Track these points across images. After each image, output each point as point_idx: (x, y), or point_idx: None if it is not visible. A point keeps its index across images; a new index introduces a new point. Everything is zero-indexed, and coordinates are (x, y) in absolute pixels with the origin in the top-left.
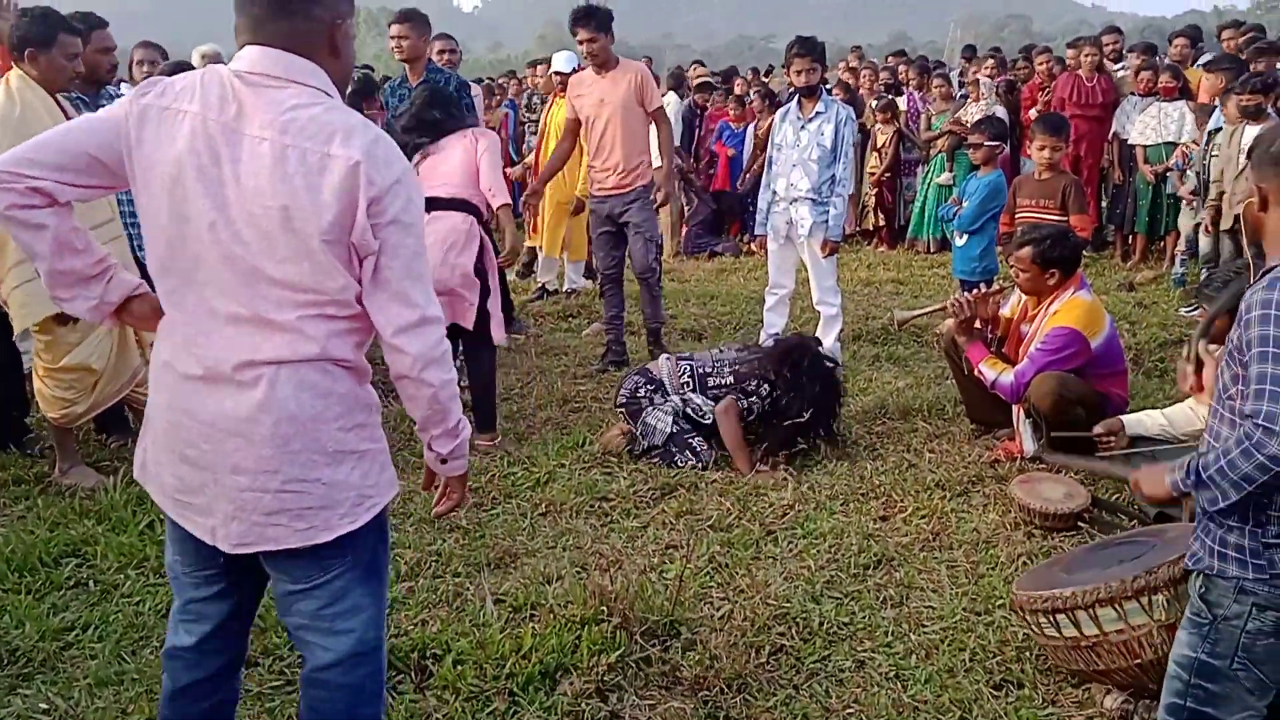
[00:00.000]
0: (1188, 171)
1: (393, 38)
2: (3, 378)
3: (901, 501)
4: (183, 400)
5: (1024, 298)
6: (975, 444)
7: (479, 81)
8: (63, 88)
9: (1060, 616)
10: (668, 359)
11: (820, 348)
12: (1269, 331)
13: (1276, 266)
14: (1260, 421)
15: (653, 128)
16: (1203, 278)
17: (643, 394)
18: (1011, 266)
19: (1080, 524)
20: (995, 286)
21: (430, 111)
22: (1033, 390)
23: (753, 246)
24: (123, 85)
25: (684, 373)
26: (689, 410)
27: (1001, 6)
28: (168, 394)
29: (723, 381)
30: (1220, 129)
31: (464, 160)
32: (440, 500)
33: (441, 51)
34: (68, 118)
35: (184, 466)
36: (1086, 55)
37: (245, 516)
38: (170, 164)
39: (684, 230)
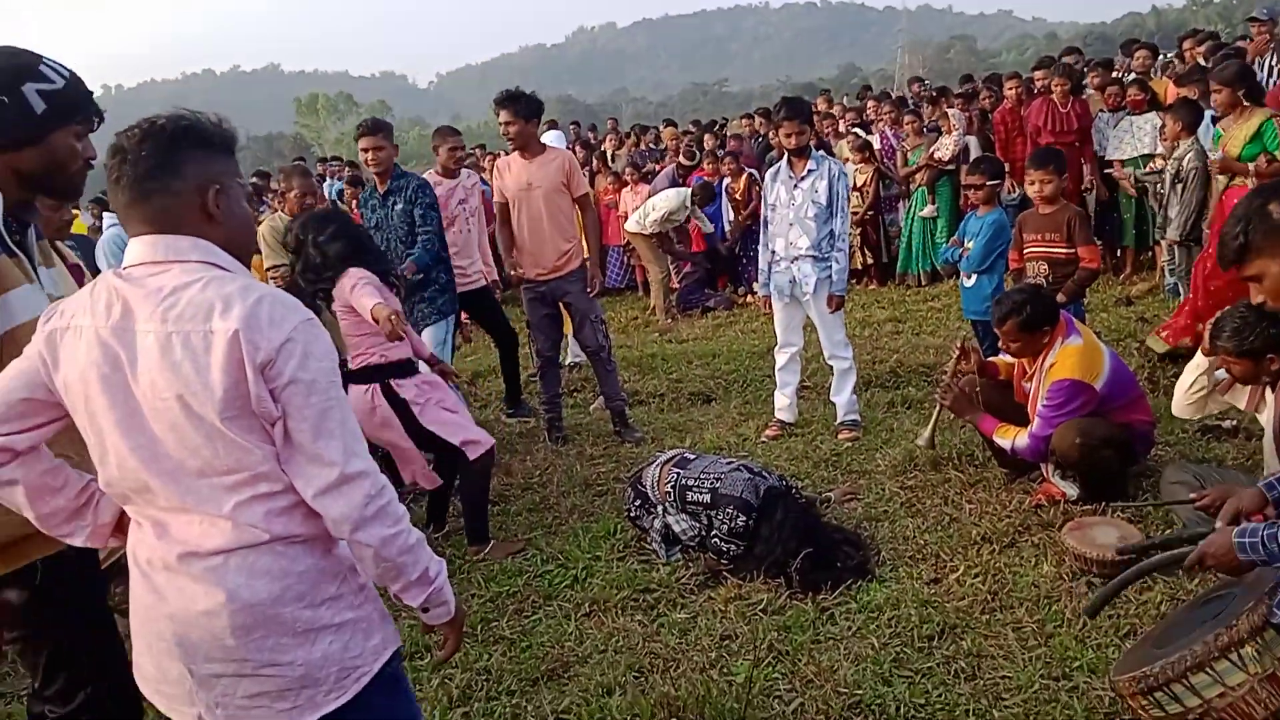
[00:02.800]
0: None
1: (364, 150)
2: None
3: (951, 561)
4: (147, 594)
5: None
6: (1014, 490)
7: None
8: None
9: (1159, 694)
10: (658, 465)
11: (795, 492)
12: None
13: None
14: None
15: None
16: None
17: (634, 512)
18: (1000, 341)
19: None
20: (952, 362)
21: (311, 255)
22: (1056, 444)
23: (747, 299)
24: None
25: (670, 482)
26: (676, 532)
27: (943, 29)
28: (136, 587)
29: (701, 498)
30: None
31: (347, 315)
32: (443, 648)
33: (454, 148)
34: None
35: (161, 657)
36: (1057, 85)
37: (227, 703)
38: (79, 381)
39: (675, 292)
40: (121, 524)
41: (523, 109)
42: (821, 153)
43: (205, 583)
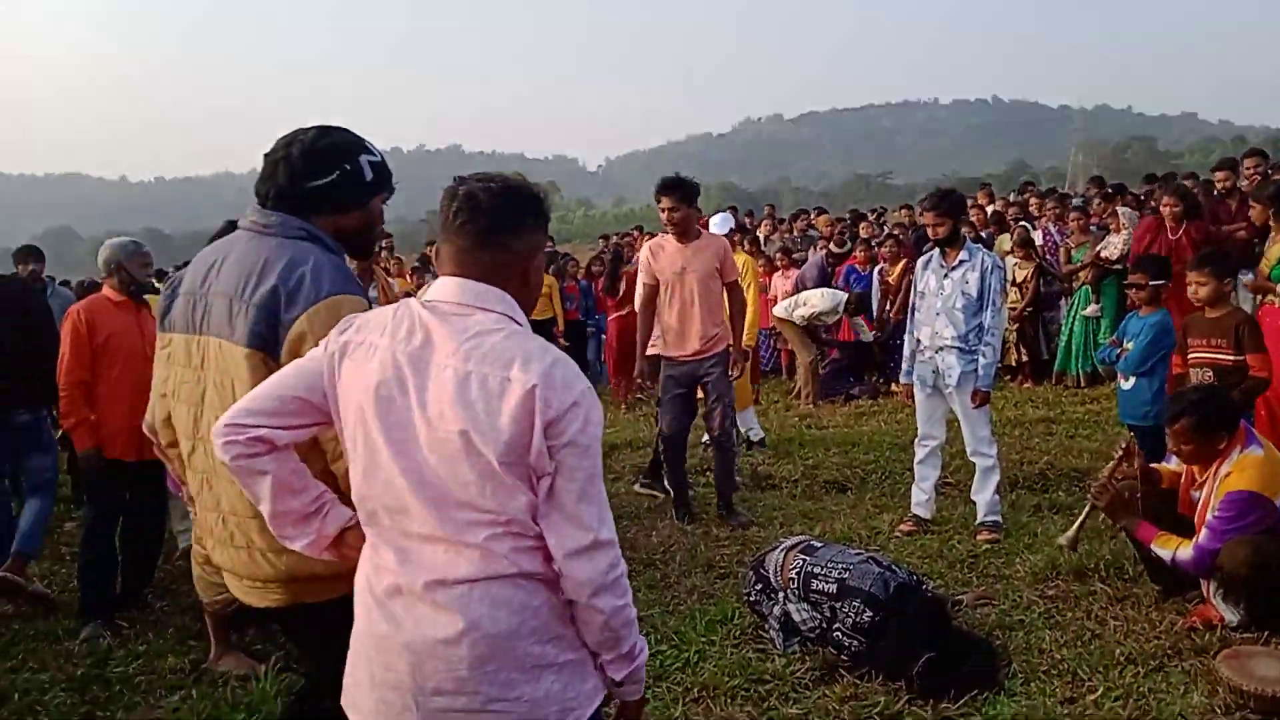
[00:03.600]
0: None
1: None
2: (140, 547)
3: (1089, 680)
4: (381, 622)
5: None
6: (1165, 609)
7: (605, 238)
8: None
9: None
10: (783, 550)
11: (926, 590)
12: None
13: None
14: None
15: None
16: None
17: (754, 596)
18: (1169, 442)
19: None
20: (1113, 462)
21: None
22: (1225, 560)
23: (892, 388)
24: None
25: (795, 568)
26: (796, 621)
27: (1121, 130)
28: (366, 616)
29: (826, 588)
30: None
31: None
32: None
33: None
34: None
35: (385, 689)
36: (1166, 205)
37: None
38: (362, 394)
39: (818, 376)
40: (340, 541)
41: (684, 195)
42: (978, 245)
43: (449, 611)
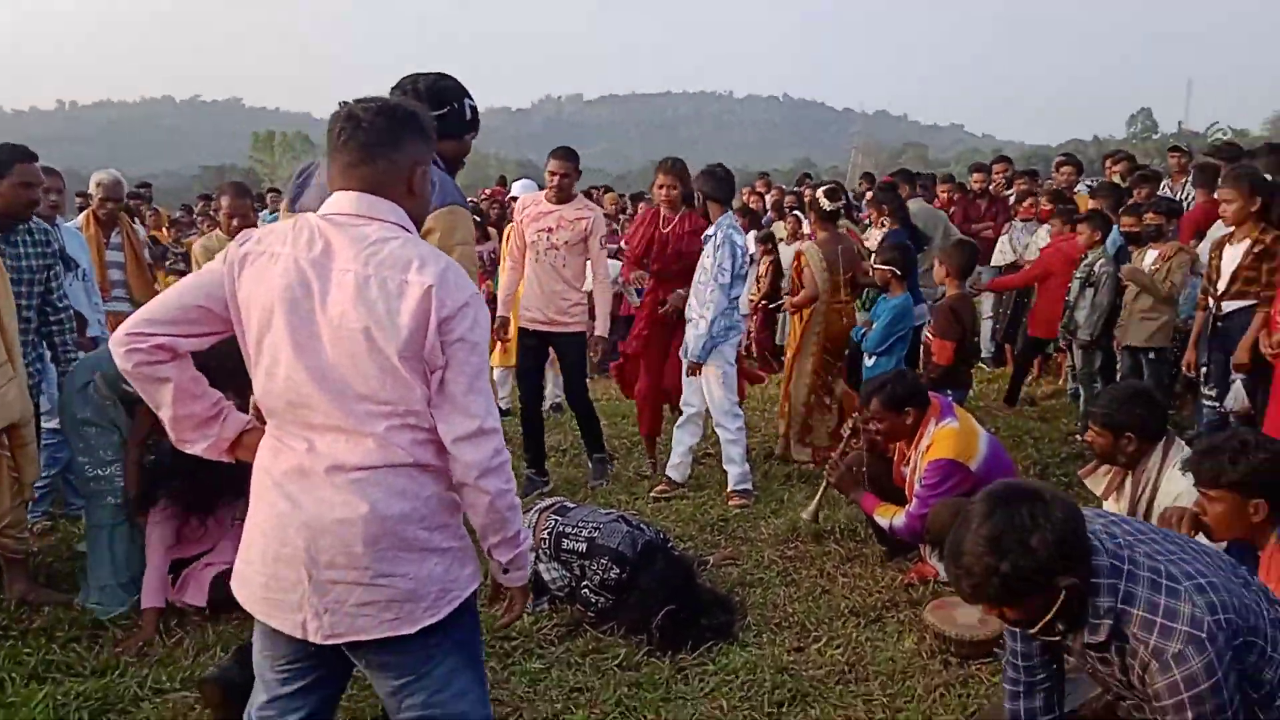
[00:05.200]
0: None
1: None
2: None
3: (816, 631)
4: (281, 501)
5: None
6: (889, 566)
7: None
8: None
9: None
10: (537, 511)
11: (673, 549)
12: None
13: None
14: None
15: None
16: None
17: None
18: (866, 420)
19: (996, 650)
20: (844, 440)
21: None
22: (932, 521)
23: None
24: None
25: (546, 528)
26: (545, 580)
27: (897, 135)
28: (264, 499)
29: (576, 547)
30: (1120, 246)
31: None
32: (505, 612)
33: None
34: None
35: (278, 565)
36: (975, 182)
37: (337, 609)
38: (267, 298)
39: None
40: (237, 444)
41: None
42: (729, 222)
43: (347, 493)
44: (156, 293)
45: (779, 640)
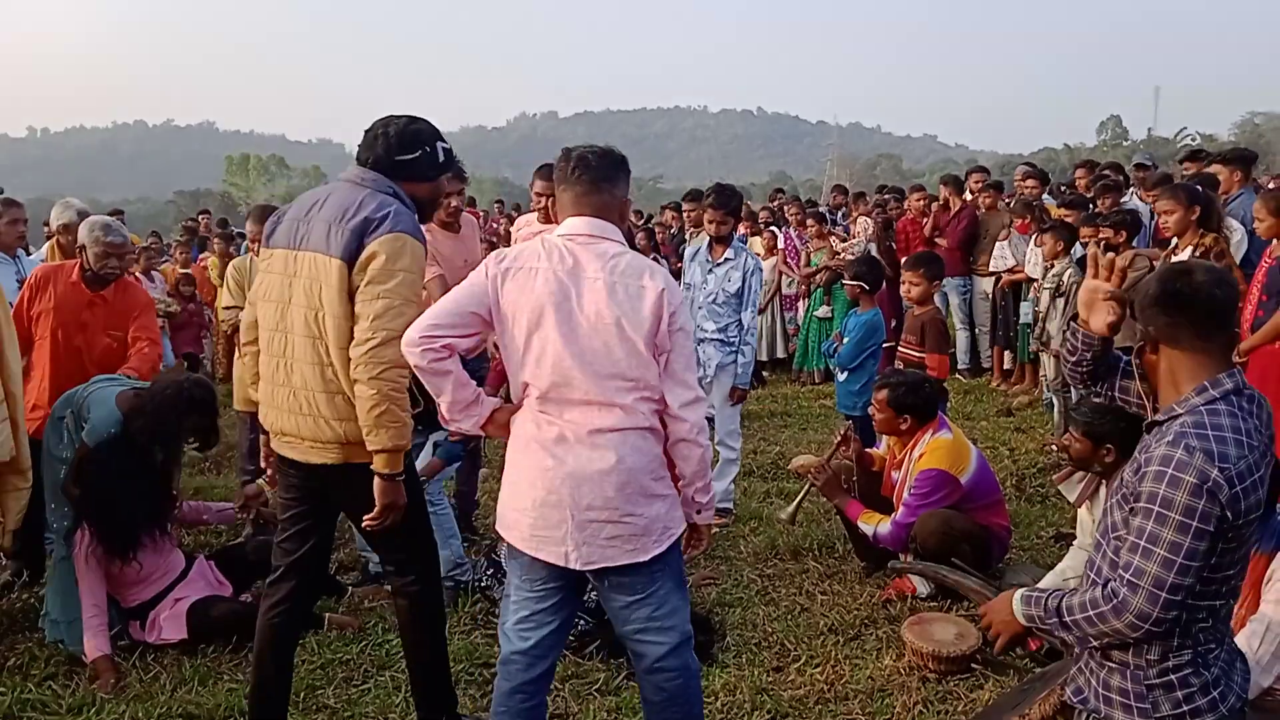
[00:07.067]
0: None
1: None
2: None
3: (795, 650)
4: (547, 458)
5: (890, 441)
6: (867, 583)
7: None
8: None
9: None
10: None
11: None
12: (1159, 490)
13: (1180, 416)
14: (1128, 576)
15: None
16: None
17: (486, 582)
18: (870, 407)
19: (974, 665)
20: (832, 447)
21: None
22: (918, 531)
23: None
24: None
25: None
26: None
27: (871, 147)
28: (531, 458)
29: None
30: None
31: None
32: (687, 546)
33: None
34: None
35: (545, 509)
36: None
37: (593, 541)
38: (535, 302)
39: None
40: (491, 420)
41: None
42: (744, 245)
43: (604, 449)
44: None
45: (758, 660)
